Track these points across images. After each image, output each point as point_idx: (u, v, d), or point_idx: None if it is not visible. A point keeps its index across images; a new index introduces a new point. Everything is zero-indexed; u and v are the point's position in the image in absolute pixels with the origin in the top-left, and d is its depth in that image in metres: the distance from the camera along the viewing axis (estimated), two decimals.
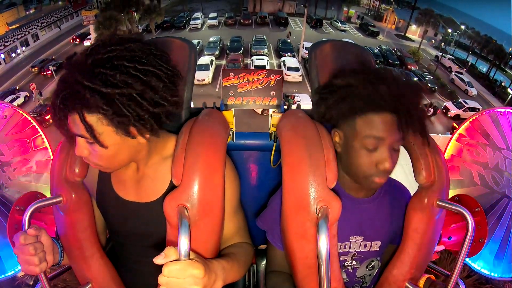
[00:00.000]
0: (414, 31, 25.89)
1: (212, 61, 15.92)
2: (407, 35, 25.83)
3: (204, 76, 14.45)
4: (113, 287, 0.79)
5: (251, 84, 0.95)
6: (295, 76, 15.15)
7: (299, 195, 0.67)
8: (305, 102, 11.73)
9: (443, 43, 23.64)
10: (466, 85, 17.51)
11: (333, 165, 0.68)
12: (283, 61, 16.29)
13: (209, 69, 15.01)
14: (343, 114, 0.71)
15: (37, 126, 1.10)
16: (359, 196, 0.80)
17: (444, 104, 14.96)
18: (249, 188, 1.10)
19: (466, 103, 14.59)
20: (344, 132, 0.73)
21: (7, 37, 18.78)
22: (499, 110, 1.11)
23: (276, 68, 16.46)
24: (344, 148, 0.73)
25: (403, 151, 0.81)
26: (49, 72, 15.92)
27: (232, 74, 0.94)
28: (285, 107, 0.95)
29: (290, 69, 15.44)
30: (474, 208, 0.91)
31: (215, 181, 0.68)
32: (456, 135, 1.15)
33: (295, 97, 12.22)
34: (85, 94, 0.56)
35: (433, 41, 24.98)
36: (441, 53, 21.89)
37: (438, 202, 0.73)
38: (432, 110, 13.94)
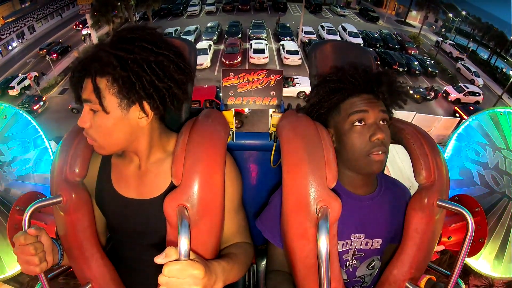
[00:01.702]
0: (415, 17, 25.65)
1: (210, 45, 15.88)
2: (407, 20, 25.54)
3: (202, 61, 14.54)
4: (113, 287, 0.79)
5: (251, 84, 0.95)
6: (294, 59, 15.09)
7: (299, 195, 0.67)
8: (305, 84, 11.66)
9: (443, 29, 23.44)
10: (472, 74, 17.02)
11: (333, 165, 0.68)
12: (282, 45, 16.19)
13: (207, 54, 15.06)
14: (332, 104, 0.77)
15: (37, 126, 1.10)
16: (360, 193, 0.80)
17: (444, 88, 14.79)
18: (249, 188, 1.10)
19: (467, 88, 14.38)
20: (335, 126, 0.78)
21: (3, 30, 19.08)
22: (499, 110, 1.11)
23: (275, 52, 16.44)
24: (338, 139, 0.77)
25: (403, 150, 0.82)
26: (54, 55, 16.82)
27: (232, 74, 0.94)
28: (285, 107, 0.95)
29: (289, 52, 15.35)
30: (474, 208, 0.91)
31: (215, 181, 0.68)
32: (456, 135, 1.15)
33: (295, 79, 12.22)
34: (102, 55, 0.63)
35: (434, 27, 24.75)
36: (441, 39, 21.60)
37: (438, 202, 0.73)
38: (433, 94, 13.86)
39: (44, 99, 12.62)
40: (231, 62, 14.69)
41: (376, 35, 19.79)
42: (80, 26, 21.02)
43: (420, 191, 0.76)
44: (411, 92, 13.39)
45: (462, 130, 1.14)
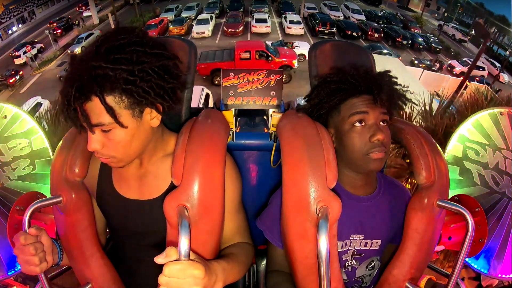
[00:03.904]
0: (417, 4, 25.90)
1: (212, 16, 16.39)
2: (409, 7, 25.77)
3: (204, 29, 15.10)
4: (113, 287, 0.79)
5: (251, 84, 0.95)
6: (297, 29, 15.34)
7: (299, 195, 0.67)
8: (304, 47, 12.02)
9: (446, 13, 23.62)
10: (497, 69, 16.35)
11: (333, 165, 0.68)
12: (285, 17, 16.56)
13: (209, 24, 15.55)
14: (333, 104, 0.77)
15: (37, 126, 1.10)
16: (360, 194, 0.80)
17: (449, 62, 14.85)
18: (249, 188, 1.10)
19: (471, 61, 14.39)
20: (335, 126, 0.78)
21: (3, 15, 19.92)
22: (499, 110, 1.11)
23: (277, 25, 16.77)
24: (338, 139, 0.77)
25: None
26: (59, 31, 18.18)
27: (232, 74, 0.94)
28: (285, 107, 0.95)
29: (291, 22, 15.62)
30: (474, 208, 0.91)
31: (215, 181, 0.68)
32: (456, 135, 1.15)
33: (294, 43, 12.49)
34: (107, 73, 0.58)
35: (436, 15, 25.11)
36: (443, 22, 21.61)
37: (438, 202, 0.73)
38: (438, 65, 14.03)
39: (21, 73, 13.28)
40: (233, 30, 15.03)
41: (380, 14, 19.87)
42: (83, 7, 21.71)
43: (420, 191, 0.76)
44: (415, 62, 13.54)
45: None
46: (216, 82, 9.76)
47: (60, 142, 0.78)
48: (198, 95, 6.90)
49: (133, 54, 0.60)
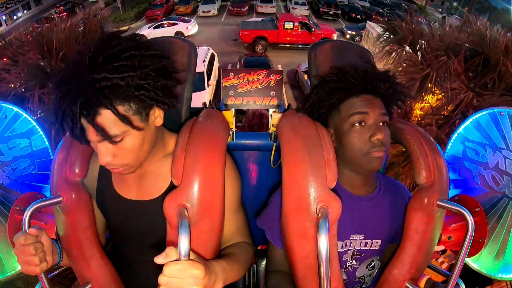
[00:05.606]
0: None
1: None
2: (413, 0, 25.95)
3: (210, 8, 15.71)
4: (113, 287, 0.79)
5: (251, 84, 0.95)
6: (301, 10, 15.58)
7: (299, 195, 0.67)
8: None
9: (449, 7, 23.82)
10: None
11: (333, 165, 0.68)
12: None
13: (215, 3, 16.10)
14: (332, 104, 0.77)
15: (37, 126, 1.10)
16: (360, 194, 0.80)
17: None
18: (249, 188, 1.10)
19: None
20: (334, 126, 0.78)
21: (9, 1, 20.28)
22: (499, 110, 1.11)
23: (282, 8, 17.17)
24: (338, 139, 0.77)
25: None
26: (65, 14, 18.24)
27: (232, 74, 0.94)
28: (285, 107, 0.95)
29: (296, 3, 15.96)
30: (474, 208, 0.91)
31: (215, 181, 0.68)
32: (456, 135, 1.15)
33: None
34: (117, 82, 0.57)
35: (440, 9, 25.27)
36: (446, 14, 21.64)
37: (438, 202, 0.73)
38: None
39: None
40: (239, 10, 15.56)
41: (384, 2, 20.11)
42: None
43: (420, 191, 0.76)
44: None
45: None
46: (258, 50, 10.52)
47: (60, 142, 0.78)
48: (203, 56, 6.65)
49: (133, 59, 0.60)
